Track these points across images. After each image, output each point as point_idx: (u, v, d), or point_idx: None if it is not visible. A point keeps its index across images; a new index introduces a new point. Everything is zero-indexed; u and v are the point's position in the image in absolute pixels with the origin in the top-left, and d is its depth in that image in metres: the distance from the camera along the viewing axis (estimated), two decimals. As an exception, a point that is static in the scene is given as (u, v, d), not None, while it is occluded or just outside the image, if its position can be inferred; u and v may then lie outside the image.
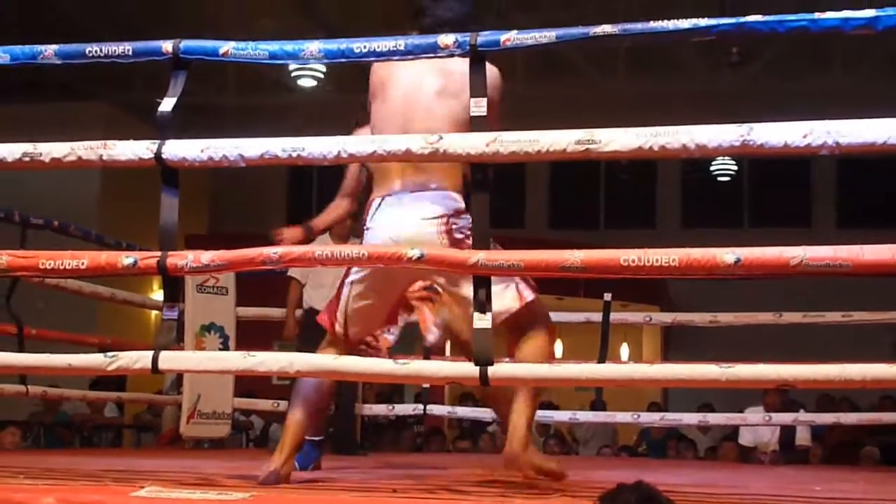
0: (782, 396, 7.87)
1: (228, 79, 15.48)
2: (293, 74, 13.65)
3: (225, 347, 7.08)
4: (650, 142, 3.16)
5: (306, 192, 17.08)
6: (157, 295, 9.99)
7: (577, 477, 3.87)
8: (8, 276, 4.99)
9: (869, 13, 3.07)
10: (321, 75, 13.53)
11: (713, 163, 15.77)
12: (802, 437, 8.21)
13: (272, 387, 10.42)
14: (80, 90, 14.56)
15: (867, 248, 3.01)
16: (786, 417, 7.55)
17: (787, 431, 8.11)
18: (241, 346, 6.90)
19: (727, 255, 3.11)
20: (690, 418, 8.28)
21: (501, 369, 3.25)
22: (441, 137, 3.33)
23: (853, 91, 13.31)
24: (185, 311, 6.91)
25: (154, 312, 10.93)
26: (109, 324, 11.63)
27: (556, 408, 9.59)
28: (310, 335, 6.76)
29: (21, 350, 5.82)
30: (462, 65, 3.49)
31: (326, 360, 3.56)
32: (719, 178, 16.18)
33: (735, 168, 16.00)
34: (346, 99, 15.66)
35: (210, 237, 14.11)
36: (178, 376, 7.23)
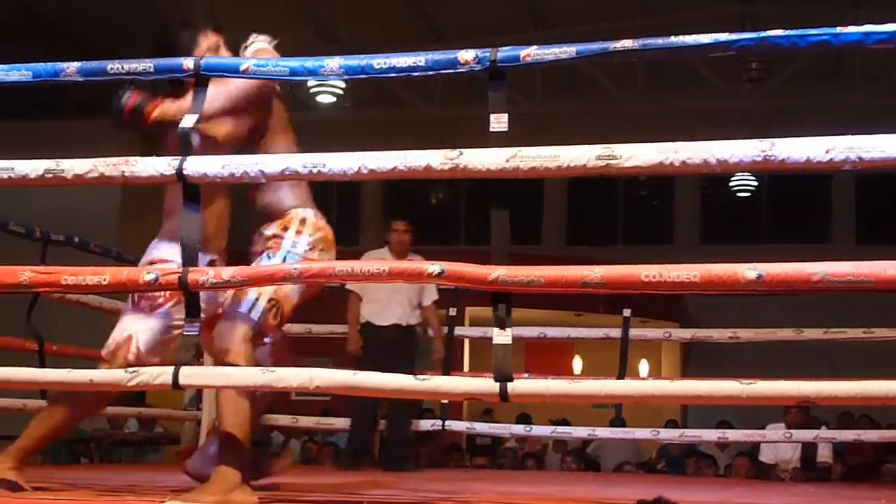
0: (804, 414, 7.82)
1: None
2: (311, 91, 13.69)
3: (246, 364, 7.07)
4: (671, 157, 3.15)
5: (326, 209, 17.09)
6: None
7: (596, 493, 3.85)
8: (30, 293, 5.01)
9: (891, 27, 3.05)
10: (340, 91, 13.56)
11: (732, 179, 15.73)
12: (824, 455, 8.16)
13: (291, 402, 10.43)
14: (99, 107, 14.63)
15: (889, 264, 2.99)
16: (806, 435, 7.50)
17: (809, 449, 8.06)
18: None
19: (748, 270, 3.09)
20: (710, 435, 8.24)
21: (521, 385, 3.25)
22: (461, 153, 3.33)
23: (874, 106, 13.27)
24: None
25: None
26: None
27: (569, 424, 9.54)
28: (365, 348, 6.88)
29: (42, 366, 5.84)
30: None
31: (345, 376, 3.55)
32: (738, 194, 16.12)
33: (755, 183, 15.95)
34: (364, 115, 15.80)
35: (228, 254, 14.12)
36: (198, 392, 7.24)
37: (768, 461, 8.37)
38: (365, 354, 6.79)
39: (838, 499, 4.86)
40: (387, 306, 7.01)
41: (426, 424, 7.69)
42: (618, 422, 9.42)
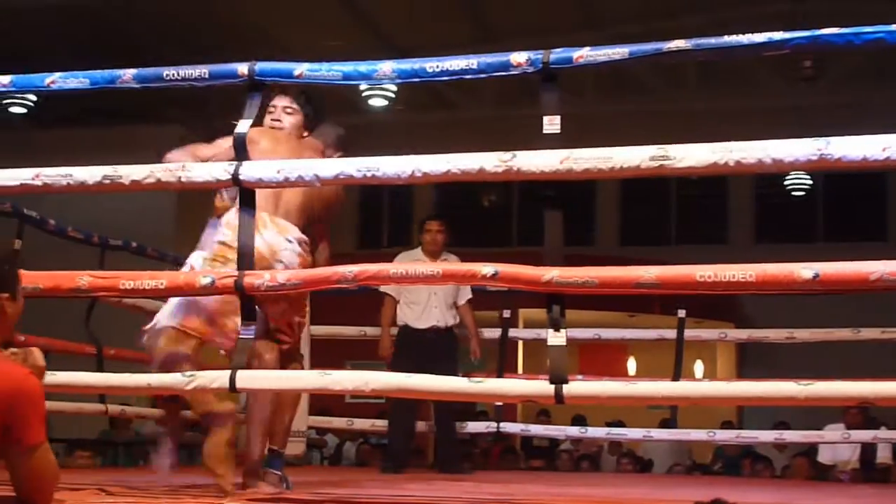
0: (863, 414, 7.73)
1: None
2: (364, 94, 13.73)
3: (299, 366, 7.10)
4: (725, 157, 3.14)
5: (377, 211, 17.19)
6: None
7: (653, 495, 3.84)
8: (89, 297, 5.08)
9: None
10: (392, 95, 13.59)
11: (787, 178, 15.57)
12: (883, 456, 8.05)
13: (346, 405, 10.48)
14: (155, 114, 14.81)
15: (948, 263, 2.96)
16: (864, 435, 7.42)
17: (868, 449, 7.97)
18: (315, 364, 6.94)
19: (804, 270, 3.07)
20: (766, 436, 8.17)
21: (576, 387, 3.25)
22: (515, 155, 3.33)
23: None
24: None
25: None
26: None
27: (624, 425, 9.49)
28: (405, 352, 6.83)
29: (100, 370, 5.92)
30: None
31: (400, 379, 3.57)
32: (793, 193, 15.96)
33: (810, 182, 15.78)
34: (417, 118, 15.83)
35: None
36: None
37: (827, 462, 8.28)
38: (405, 358, 6.67)
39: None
40: (425, 308, 6.95)
41: (480, 427, 7.68)
42: (670, 423, 9.37)
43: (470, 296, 7.05)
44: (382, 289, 6.87)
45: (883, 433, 7.48)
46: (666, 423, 9.30)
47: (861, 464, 7.98)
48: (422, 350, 6.73)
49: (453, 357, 6.92)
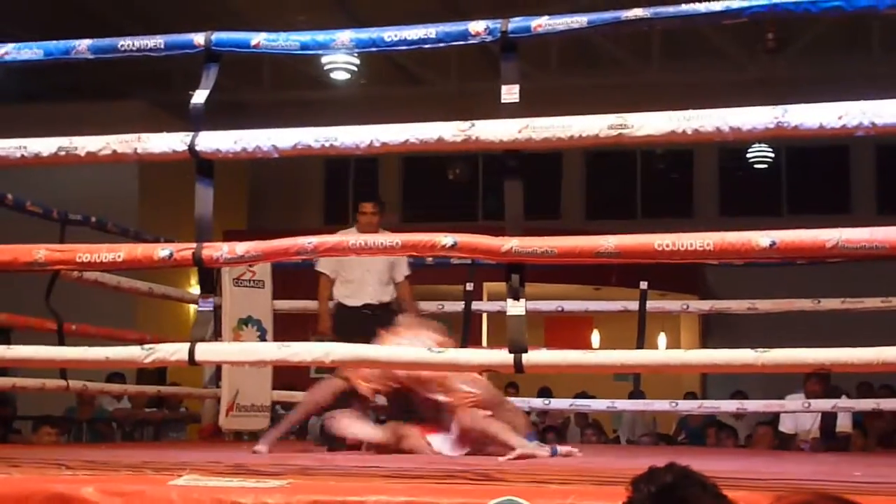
0: (824, 384, 7.79)
1: (263, 75, 15.56)
2: (326, 68, 13.65)
3: (262, 340, 7.11)
4: (683, 125, 3.14)
5: (343, 187, 17.14)
6: (196, 289, 10.04)
7: (614, 465, 3.85)
8: (46, 271, 5.03)
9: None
10: (354, 68, 13.52)
11: (749, 150, 15.65)
12: (843, 425, 8.13)
13: (311, 379, 10.45)
14: (117, 89, 14.67)
15: (904, 230, 2.98)
16: (825, 404, 7.49)
17: (828, 419, 8.04)
18: (278, 339, 6.93)
19: (762, 238, 3.09)
20: (728, 405, 8.24)
21: (536, 356, 3.25)
22: (473, 125, 3.32)
23: (893, 74, 13.15)
24: (223, 305, 6.95)
25: (192, 307, 11.00)
26: (148, 320, 11.73)
27: (592, 397, 9.55)
28: (340, 330, 6.80)
29: (61, 345, 5.87)
30: None
31: (362, 350, 3.56)
32: (756, 166, 16.05)
33: (772, 155, 15.87)
34: (381, 92, 15.76)
35: (249, 233, 14.17)
36: (217, 370, 7.27)
37: (788, 431, 8.35)
38: (341, 335, 6.64)
39: (858, 467, 4.84)
40: (360, 286, 6.94)
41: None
42: (637, 394, 9.45)
43: (407, 272, 7.01)
44: (318, 267, 6.87)
45: (843, 402, 7.55)
46: (634, 396, 9.40)
47: (821, 432, 8.05)
48: (356, 327, 6.69)
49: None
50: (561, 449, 5.24)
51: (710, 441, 9.76)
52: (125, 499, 2.83)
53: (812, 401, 7.46)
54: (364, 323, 6.78)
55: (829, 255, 3.08)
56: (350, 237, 3.62)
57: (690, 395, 11.73)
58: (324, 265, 6.81)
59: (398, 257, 6.56)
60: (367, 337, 5.96)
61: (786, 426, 8.36)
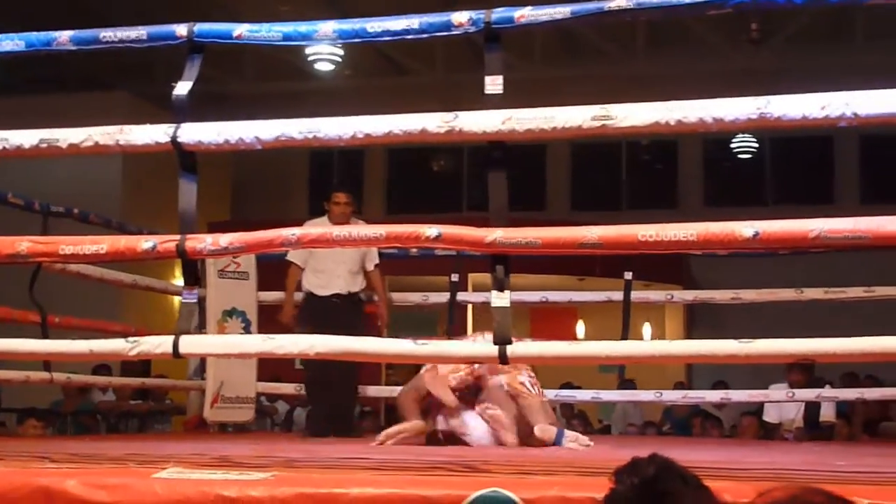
0: (807, 374, 7.81)
1: (246, 66, 15.51)
2: (310, 59, 13.61)
3: (247, 332, 7.09)
4: (666, 116, 3.15)
5: (327, 179, 17.11)
6: (180, 282, 10.02)
7: (600, 455, 3.86)
8: (29, 263, 5.01)
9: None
10: (339, 59, 13.48)
11: (734, 140, 15.69)
12: (827, 414, 8.16)
13: (296, 371, 10.45)
14: (100, 80, 14.61)
15: (887, 220, 2.99)
16: (808, 394, 7.51)
17: (812, 408, 8.07)
18: (263, 330, 6.91)
19: (745, 228, 3.09)
20: (713, 396, 8.26)
21: (520, 348, 3.25)
22: (457, 116, 3.32)
23: (877, 65, 13.17)
24: (207, 297, 6.93)
25: (176, 299, 10.97)
26: (133, 312, 11.70)
27: (577, 388, 9.56)
28: (308, 319, 6.78)
29: (45, 338, 5.85)
30: None
31: (347, 343, 3.56)
32: (740, 156, 16.10)
33: (756, 145, 15.92)
34: (367, 83, 15.72)
35: (232, 224, 14.15)
36: (202, 362, 7.26)
37: (772, 421, 8.38)
38: (306, 324, 6.62)
39: (842, 456, 4.86)
40: (330, 277, 6.93)
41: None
42: (627, 384, 9.47)
43: (377, 260, 7.01)
44: (289, 257, 6.86)
45: (826, 392, 7.57)
46: (624, 386, 9.44)
47: (805, 422, 8.08)
48: (324, 316, 6.68)
49: (356, 323, 6.79)
50: (569, 433, 5.52)
51: (696, 431, 9.79)
52: (109, 491, 2.82)
53: (796, 390, 7.49)
54: (332, 312, 6.78)
55: (812, 245, 3.09)
56: (329, 227, 3.61)
57: (679, 385, 11.77)
58: (294, 254, 6.80)
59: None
60: (334, 327, 5.92)
61: (770, 416, 8.39)
